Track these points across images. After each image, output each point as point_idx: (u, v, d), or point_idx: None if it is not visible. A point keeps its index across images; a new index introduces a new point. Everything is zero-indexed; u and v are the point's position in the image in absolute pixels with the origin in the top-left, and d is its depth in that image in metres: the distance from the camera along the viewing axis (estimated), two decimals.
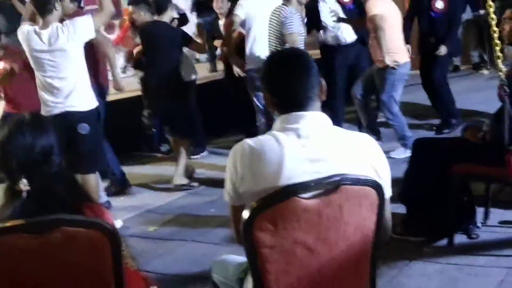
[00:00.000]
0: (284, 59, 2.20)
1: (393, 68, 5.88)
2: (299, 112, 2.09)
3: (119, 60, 9.33)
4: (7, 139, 2.11)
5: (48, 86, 4.58)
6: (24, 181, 2.06)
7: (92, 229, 2.01)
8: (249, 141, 2.09)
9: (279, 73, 2.15)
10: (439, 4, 6.47)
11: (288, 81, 2.12)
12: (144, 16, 6.50)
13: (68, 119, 4.49)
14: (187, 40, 6.19)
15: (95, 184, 4.81)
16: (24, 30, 4.58)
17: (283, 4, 5.38)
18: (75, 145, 4.35)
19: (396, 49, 5.95)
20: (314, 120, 2.10)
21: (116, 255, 2.05)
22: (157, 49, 6.01)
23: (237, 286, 2.39)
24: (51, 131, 2.17)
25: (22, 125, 2.13)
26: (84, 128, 4.52)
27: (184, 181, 5.99)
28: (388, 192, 2.16)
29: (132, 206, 5.53)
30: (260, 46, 5.70)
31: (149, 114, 7.12)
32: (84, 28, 4.54)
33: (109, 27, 9.22)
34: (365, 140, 2.15)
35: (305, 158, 2.03)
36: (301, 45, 5.28)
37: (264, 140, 2.08)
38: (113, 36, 9.95)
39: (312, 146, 2.05)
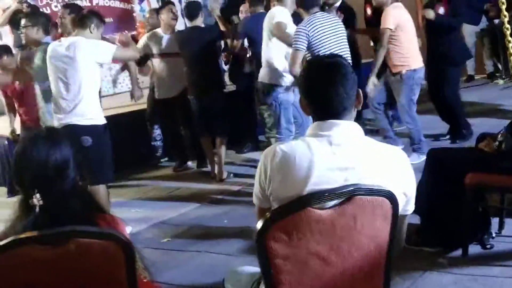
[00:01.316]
0: (325, 67, 2.18)
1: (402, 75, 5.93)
2: (334, 120, 2.10)
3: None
4: (21, 153, 2.11)
5: (54, 97, 4.81)
6: (38, 195, 2.05)
7: (106, 240, 2.02)
8: (281, 145, 2.11)
9: (318, 81, 2.15)
10: (441, 10, 6.41)
11: (326, 90, 2.11)
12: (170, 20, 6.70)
13: (73, 131, 4.60)
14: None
15: (104, 195, 4.87)
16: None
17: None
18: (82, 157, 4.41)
19: (410, 55, 5.97)
20: (347, 129, 2.10)
21: (130, 266, 2.06)
22: (198, 54, 6.27)
23: None
24: (67, 146, 2.14)
25: (37, 139, 2.13)
26: (86, 141, 4.58)
27: (225, 175, 6.48)
28: (411, 208, 2.18)
29: (146, 218, 5.53)
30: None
31: (150, 124, 7.30)
32: (103, 51, 4.79)
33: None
34: (397, 154, 2.15)
35: (334, 165, 2.03)
36: None
37: (295, 145, 2.10)
38: None
39: (343, 154, 2.05)
